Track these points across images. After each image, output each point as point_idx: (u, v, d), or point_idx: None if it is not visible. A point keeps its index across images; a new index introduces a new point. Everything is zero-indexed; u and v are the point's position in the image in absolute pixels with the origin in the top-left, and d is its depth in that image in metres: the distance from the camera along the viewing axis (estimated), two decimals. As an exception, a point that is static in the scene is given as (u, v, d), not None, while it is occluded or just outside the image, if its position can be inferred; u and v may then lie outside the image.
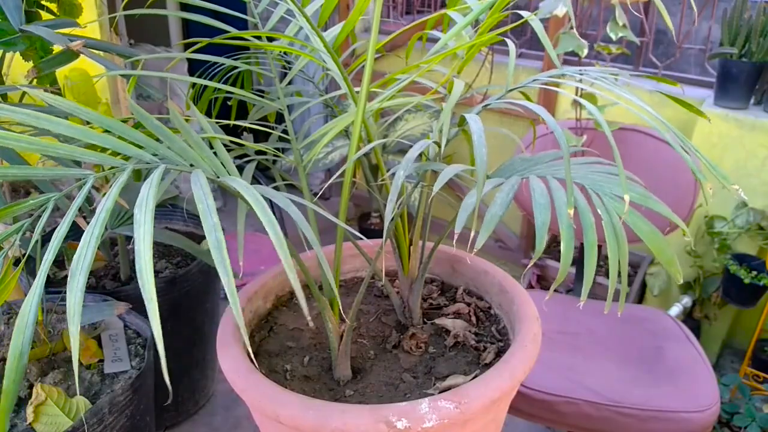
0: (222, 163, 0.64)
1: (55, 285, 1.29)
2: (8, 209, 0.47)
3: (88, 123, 0.56)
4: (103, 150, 0.58)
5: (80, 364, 1.04)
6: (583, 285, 0.56)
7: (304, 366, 0.81)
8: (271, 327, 0.90)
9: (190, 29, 2.97)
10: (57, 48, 0.96)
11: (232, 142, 0.77)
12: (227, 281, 0.45)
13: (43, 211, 0.49)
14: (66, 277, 1.31)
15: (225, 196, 2.86)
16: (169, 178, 0.70)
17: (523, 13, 0.75)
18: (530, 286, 2.08)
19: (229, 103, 1.03)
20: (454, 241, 0.61)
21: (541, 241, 0.56)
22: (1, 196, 0.78)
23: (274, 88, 0.93)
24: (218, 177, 0.59)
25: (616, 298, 1.78)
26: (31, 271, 1.22)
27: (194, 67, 2.70)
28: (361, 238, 0.97)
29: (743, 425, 1.42)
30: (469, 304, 0.93)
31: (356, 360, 0.83)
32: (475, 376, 0.74)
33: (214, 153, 0.66)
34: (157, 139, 0.60)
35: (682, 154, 0.60)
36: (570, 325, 1.29)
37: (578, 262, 1.65)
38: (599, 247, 1.24)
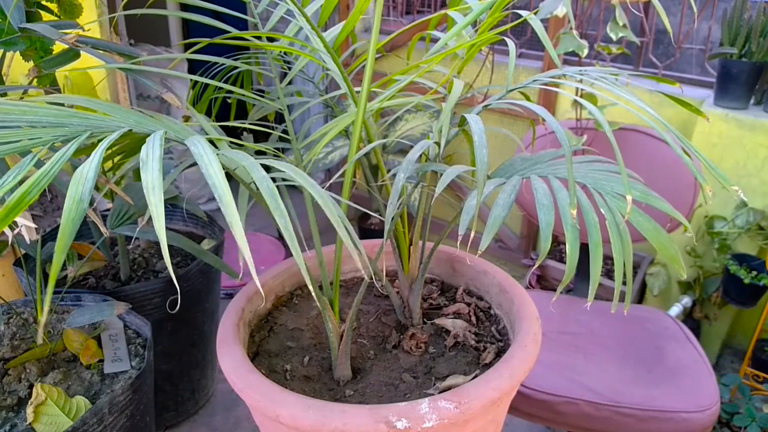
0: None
1: (55, 284, 1.29)
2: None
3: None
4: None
5: (80, 364, 1.04)
6: (590, 285, 0.56)
7: (304, 366, 0.81)
8: (271, 327, 0.90)
9: (190, 29, 2.97)
10: (57, 48, 0.96)
11: (232, 142, 0.76)
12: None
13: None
14: (66, 277, 1.31)
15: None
16: (169, 177, 0.70)
17: (522, 12, 0.75)
18: (530, 286, 2.08)
19: (229, 101, 1.03)
20: (458, 243, 0.61)
21: (546, 242, 0.56)
22: None
23: (274, 88, 0.93)
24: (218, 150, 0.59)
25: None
26: (30, 270, 1.22)
27: (194, 68, 2.70)
28: (375, 232, 0.97)
29: (743, 425, 1.42)
30: (469, 304, 0.93)
31: (356, 360, 0.83)
32: (475, 376, 0.74)
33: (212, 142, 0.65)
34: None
35: (681, 155, 0.60)
36: (570, 325, 1.29)
37: (578, 262, 1.65)
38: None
